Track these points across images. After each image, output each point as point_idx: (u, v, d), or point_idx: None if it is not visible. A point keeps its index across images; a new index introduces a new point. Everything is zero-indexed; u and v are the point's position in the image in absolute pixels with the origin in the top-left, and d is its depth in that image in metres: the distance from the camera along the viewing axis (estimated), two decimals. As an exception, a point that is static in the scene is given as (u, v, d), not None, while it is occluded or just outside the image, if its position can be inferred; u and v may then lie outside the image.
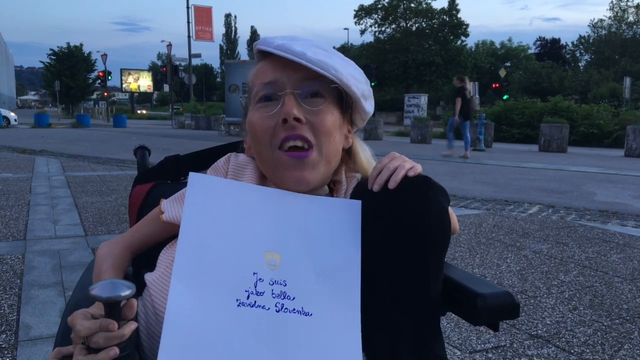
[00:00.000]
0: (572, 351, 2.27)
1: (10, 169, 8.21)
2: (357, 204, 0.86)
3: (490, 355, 2.22)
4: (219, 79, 75.25)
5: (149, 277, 0.89)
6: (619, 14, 55.91)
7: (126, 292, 0.64)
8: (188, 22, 31.54)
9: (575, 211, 5.50)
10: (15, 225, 4.41)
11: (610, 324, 2.57)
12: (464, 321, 2.46)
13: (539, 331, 2.47)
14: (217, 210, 0.81)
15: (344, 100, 0.90)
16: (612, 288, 3.10)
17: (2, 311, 2.61)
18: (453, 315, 0.87)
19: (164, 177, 1.21)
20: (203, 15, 33.14)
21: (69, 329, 0.69)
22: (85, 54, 44.64)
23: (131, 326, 0.66)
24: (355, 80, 0.88)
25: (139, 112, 49.15)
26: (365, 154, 0.99)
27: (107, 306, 0.65)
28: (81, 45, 44.12)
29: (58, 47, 43.47)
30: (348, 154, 0.98)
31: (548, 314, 2.69)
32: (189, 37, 31.54)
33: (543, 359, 2.20)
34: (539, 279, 3.24)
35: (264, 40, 0.88)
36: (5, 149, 11.99)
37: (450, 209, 0.86)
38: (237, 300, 0.74)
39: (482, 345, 2.31)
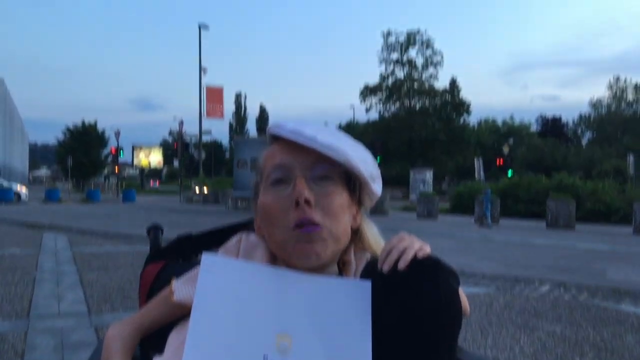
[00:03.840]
0: None
1: (18, 244, 8.23)
2: (367, 284, 0.86)
3: None
4: (227, 155, 76.68)
5: (158, 359, 0.88)
6: (617, 94, 57.49)
7: None
8: (200, 102, 32.64)
9: (587, 290, 5.39)
10: (20, 302, 4.37)
11: (632, 411, 2.45)
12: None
13: (557, 419, 2.35)
14: (229, 291, 0.82)
15: (352, 182, 0.93)
16: (631, 372, 2.98)
17: (-1, 393, 2.53)
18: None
19: (176, 256, 1.22)
20: (215, 95, 34.35)
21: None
22: (100, 131, 45.90)
23: None
24: (364, 163, 0.91)
25: (151, 184, 49.71)
26: (372, 233, 1.00)
27: None
28: (95, 122, 45.50)
29: (73, 124, 44.83)
30: (355, 233, 0.99)
31: (566, 399, 2.57)
32: (200, 116, 32.53)
33: None
34: (554, 362, 3.12)
35: (277, 124, 0.93)
36: (15, 224, 12.07)
37: (460, 289, 0.86)
38: (247, 385, 0.73)
39: None
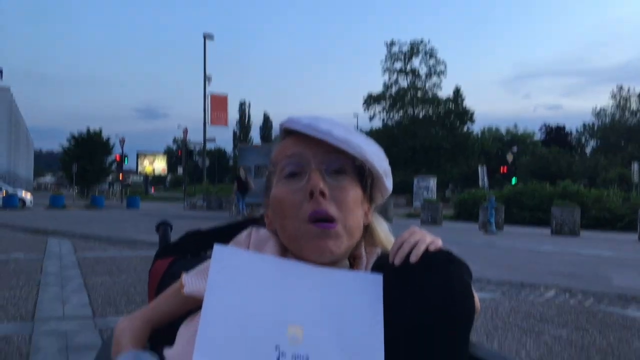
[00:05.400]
0: None
1: (22, 249, 8.25)
2: (379, 277, 0.86)
3: None
4: (231, 162, 76.84)
5: (168, 352, 0.88)
6: (621, 103, 57.44)
7: None
8: (204, 110, 32.75)
9: (593, 295, 5.36)
10: (24, 305, 4.37)
11: (641, 416, 2.42)
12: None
13: (565, 423, 2.33)
14: (240, 282, 0.82)
15: (365, 178, 0.93)
16: (639, 377, 2.95)
17: (5, 395, 2.53)
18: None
19: (185, 251, 1.22)
20: (219, 103, 34.48)
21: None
22: (104, 139, 46.08)
23: None
24: (378, 158, 0.91)
25: (152, 191, 49.82)
26: (383, 229, 1.00)
27: None
28: (100, 130, 45.69)
29: (78, 131, 45.03)
30: (367, 229, 0.99)
31: (573, 404, 2.55)
32: (204, 124, 32.63)
33: None
34: (561, 367, 3.10)
35: (291, 119, 0.93)
36: (19, 229, 12.10)
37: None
38: (259, 374, 0.73)
39: None
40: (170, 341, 0.92)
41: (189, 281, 0.93)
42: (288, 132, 0.94)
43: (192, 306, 0.94)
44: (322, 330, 0.79)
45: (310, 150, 0.89)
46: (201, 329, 0.76)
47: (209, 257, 0.88)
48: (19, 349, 3.21)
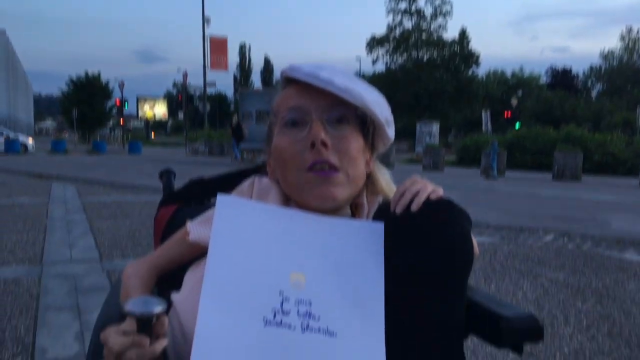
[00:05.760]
0: (592, 382, 2.23)
1: (27, 194, 8.34)
2: (380, 226, 0.87)
3: (508, 384, 2.19)
4: (232, 108, 76.19)
5: (175, 297, 0.90)
6: (630, 45, 56.11)
7: (158, 308, 0.66)
8: (204, 53, 32.13)
9: (591, 239, 5.44)
10: (32, 249, 4.46)
11: (630, 353, 2.52)
12: (481, 349, 2.43)
13: (558, 361, 2.43)
14: (244, 231, 0.83)
15: (367, 126, 0.92)
16: (630, 317, 3.05)
17: (18, 333, 2.63)
18: (470, 342, 0.87)
19: (188, 199, 1.24)
20: (218, 46, 33.76)
21: (99, 346, 0.71)
22: (103, 83, 45.47)
23: (162, 343, 0.68)
24: (380, 106, 0.90)
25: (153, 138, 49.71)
26: (385, 178, 1.01)
27: (140, 322, 0.66)
28: (99, 73, 45.01)
29: (76, 75, 44.36)
30: (368, 178, 0.99)
31: (566, 342, 2.64)
32: (204, 66, 32.09)
33: (562, 389, 2.16)
34: (556, 307, 3.19)
35: (292, 67, 0.91)
36: (23, 174, 12.18)
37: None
38: (264, 319, 0.75)
39: (500, 375, 2.27)
40: (177, 287, 0.94)
41: (194, 229, 0.95)
42: (289, 81, 0.93)
43: (197, 253, 0.96)
44: (324, 277, 0.81)
45: (311, 100, 0.87)
46: (207, 276, 0.78)
47: (213, 205, 0.89)
48: (29, 291, 3.31)
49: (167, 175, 1.28)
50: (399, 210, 0.84)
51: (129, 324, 0.73)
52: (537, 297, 3.41)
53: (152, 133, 54.22)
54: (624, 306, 3.25)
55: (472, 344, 2.41)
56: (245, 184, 0.99)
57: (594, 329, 2.85)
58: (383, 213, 0.89)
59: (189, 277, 0.92)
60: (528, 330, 0.80)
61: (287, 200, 0.93)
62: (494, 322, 0.81)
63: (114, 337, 0.67)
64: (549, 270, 4.11)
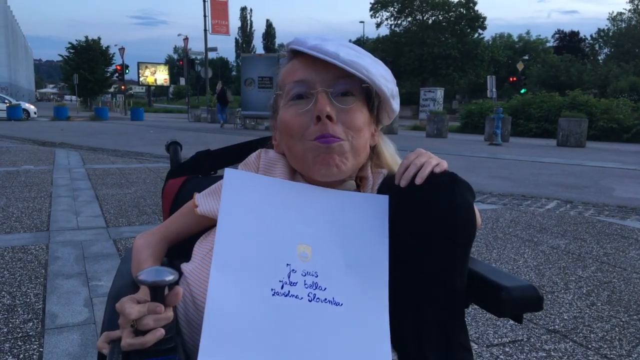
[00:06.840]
0: (589, 346, 2.28)
1: (31, 161, 8.37)
2: (385, 198, 0.89)
3: (507, 349, 2.24)
4: (234, 73, 75.41)
5: (186, 267, 0.93)
6: (639, 7, 54.88)
7: (170, 277, 0.69)
8: (205, 16, 31.58)
9: (594, 207, 5.47)
10: (39, 216, 4.52)
11: (629, 320, 2.57)
12: (481, 315, 2.48)
13: (557, 326, 2.48)
14: (251, 204, 0.85)
15: (372, 100, 0.93)
16: (630, 284, 3.09)
17: (28, 300, 2.69)
18: (470, 309, 0.90)
19: (196, 171, 1.25)
20: (219, 9, 33.15)
21: (114, 315, 0.73)
22: (103, 48, 44.92)
23: (172, 311, 0.71)
24: (385, 80, 0.90)
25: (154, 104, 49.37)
26: (389, 151, 1.01)
27: (153, 290, 0.69)
28: (99, 39, 44.42)
29: (76, 40, 43.79)
30: (373, 151, 1.00)
31: (565, 309, 2.70)
32: (205, 30, 31.59)
33: (560, 353, 2.21)
34: (556, 275, 3.24)
35: (297, 40, 0.91)
36: (26, 141, 12.20)
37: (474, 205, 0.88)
38: (272, 289, 0.78)
39: (499, 340, 2.33)
40: (187, 257, 0.97)
41: (202, 201, 0.96)
42: (294, 53, 0.93)
43: (206, 224, 0.98)
44: (330, 249, 0.83)
45: (317, 73, 0.88)
46: (217, 248, 0.80)
47: (220, 176, 0.90)
48: (37, 258, 3.37)
49: (173, 147, 1.30)
50: (403, 183, 0.85)
51: (143, 293, 0.76)
52: (538, 264, 3.46)
53: (151, 101, 53.82)
54: (624, 273, 3.30)
55: (472, 310, 2.46)
56: (252, 157, 1.00)
57: (594, 295, 2.90)
58: (388, 186, 0.91)
59: (199, 248, 0.95)
60: (527, 300, 0.82)
61: (294, 174, 0.95)
62: (495, 292, 0.83)
63: (130, 305, 0.70)
64: (550, 238, 4.15)
